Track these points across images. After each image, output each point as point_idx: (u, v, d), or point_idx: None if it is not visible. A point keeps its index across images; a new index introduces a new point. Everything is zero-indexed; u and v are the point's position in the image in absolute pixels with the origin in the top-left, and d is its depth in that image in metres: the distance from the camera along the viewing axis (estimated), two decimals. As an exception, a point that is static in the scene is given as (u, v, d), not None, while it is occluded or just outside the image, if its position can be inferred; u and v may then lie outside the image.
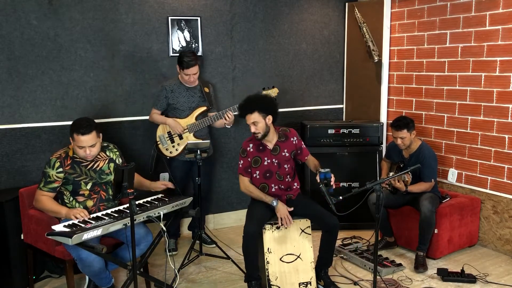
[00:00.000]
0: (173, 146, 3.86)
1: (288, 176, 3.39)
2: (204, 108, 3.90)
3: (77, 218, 2.83)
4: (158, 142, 3.88)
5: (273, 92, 3.95)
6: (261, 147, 3.31)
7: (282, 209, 3.21)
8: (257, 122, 3.20)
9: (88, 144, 2.94)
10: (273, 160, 3.32)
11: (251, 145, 3.33)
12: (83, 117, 3.09)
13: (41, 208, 2.98)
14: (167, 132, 3.85)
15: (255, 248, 3.15)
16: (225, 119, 3.82)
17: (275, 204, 3.21)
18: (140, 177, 3.27)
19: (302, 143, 3.44)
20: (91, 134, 2.93)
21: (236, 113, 3.83)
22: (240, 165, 3.34)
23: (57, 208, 2.94)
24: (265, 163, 3.32)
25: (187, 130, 3.83)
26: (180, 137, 3.84)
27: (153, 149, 3.91)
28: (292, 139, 3.38)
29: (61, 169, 2.97)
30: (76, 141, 2.93)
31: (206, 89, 3.95)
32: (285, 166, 3.36)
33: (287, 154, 3.35)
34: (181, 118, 3.85)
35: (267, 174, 3.33)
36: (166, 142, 3.85)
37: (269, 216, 3.27)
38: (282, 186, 3.36)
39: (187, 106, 3.85)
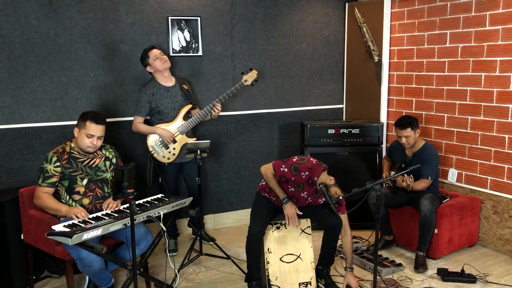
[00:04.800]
0: (169, 152, 3.80)
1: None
2: (190, 106, 3.87)
3: (77, 217, 2.83)
4: (152, 152, 3.80)
5: (253, 74, 3.95)
6: (310, 181, 3.11)
7: (290, 209, 3.13)
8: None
9: (98, 134, 3.02)
10: (309, 198, 3.19)
11: (307, 173, 3.08)
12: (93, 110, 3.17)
13: (41, 205, 2.98)
14: (159, 140, 3.79)
15: (259, 248, 3.15)
16: (214, 111, 3.85)
17: (285, 202, 3.13)
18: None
19: (344, 200, 3.18)
20: (103, 126, 3.06)
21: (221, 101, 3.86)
22: (281, 169, 3.11)
23: (58, 206, 2.95)
24: (302, 194, 3.17)
25: (178, 133, 3.80)
26: (174, 141, 3.80)
27: (148, 160, 3.83)
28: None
29: (58, 163, 2.99)
30: (88, 128, 2.98)
31: (185, 86, 3.92)
32: (309, 206, 3.26)
33: (322, 201, 3.24)
34: (168, 122, 3.81)
35: (294, 200, 3.18)
36: (161, 150, 3.79)
37: (272, 216, 3.27)
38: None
39: (171, 108, 3.80)
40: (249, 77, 3.96)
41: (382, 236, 4.08)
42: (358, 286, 3.26)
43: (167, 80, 3.85)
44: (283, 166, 3.13)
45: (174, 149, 3.81)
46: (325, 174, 3.00)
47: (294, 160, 3.14)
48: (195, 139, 3.85)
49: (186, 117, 3.85)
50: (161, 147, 3.79)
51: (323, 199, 3.22)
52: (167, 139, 3.75)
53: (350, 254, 3.25)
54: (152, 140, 3.80)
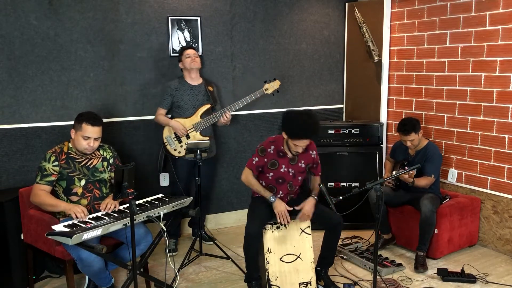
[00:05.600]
0: (181, 146, 3.89)
1: (298, 187, 3.38)
2: (208, 105, 3.95)
3: (76, 216, 2.82)
4: (166, 143, 3.91)
5: (276, 84, 4.04)
6: (281, 153, 3.24)
7: (280, 206, 3.16)
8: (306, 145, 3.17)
9: (94, 136, 3.01)
10: (290, 169, 3.27)
11: (272, 147, 3.25)
12: (89, 111, 3.17)
13: (38, 202, 2.95)
14: (174, 133, 3.88)
15: (256, 248, 3.15)
16: (224, 118, 3.92)
17: (272, 200, 3.19)
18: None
19: (319, 158, 3.41)
20: (100, 127, 3.04)
21: (233, 112, 3.94)
22: (254, 162, 3.24)
23: (55, 202, 2.93)
24: (282, 170, 3.26)
25: (193, 129, 3.87)
26: (187, 136, 3.88)
27: (160, 150, 3.95)
28: (311, 152, 3.34)
29: (56, 163, 2.99)
30: (84, 130, 2.97)
31: (210, 88, 4.02)
32: (299, 177, 3.34)
33: (303, 166, 3.31)
34: (186, 117, 3.88)
35: (280, 180, 3.28)
36: (174, 143, 3.89)
37: (270, 216, 3.27)
38: (288, 194, 3.35)
39: (191, 105, 3.90)
40: (271, 87, 4.03)
41: (381, 235, 4.08)
42: (309, 215, 3.20)
43: (194, 80, 3.96)
44: (253, 158, 3.27)
45: (186, 144, 3.85)
46: (285, 138, 3.17)
47: (258, 146, 3.30)
48: (207, 138, 3.88)
49: (204, 116, 3.92)
50: (174, 140, 3.89)
51: (303, 161, 3.30)
52: (179, 131, 3.83)
53: (317, 190, 3.32)
54: (168, 132, 3.90)
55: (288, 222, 3.18)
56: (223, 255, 3.70)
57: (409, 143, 3.83)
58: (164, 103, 3.92)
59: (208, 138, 3.89)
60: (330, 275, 3.41)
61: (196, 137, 3.88)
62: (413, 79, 4.59)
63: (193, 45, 4.27)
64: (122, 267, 3.04)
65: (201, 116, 3.91)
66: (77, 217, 2.82)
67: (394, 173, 3.89)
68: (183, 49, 3.93)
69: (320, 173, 3.44)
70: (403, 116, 4.64)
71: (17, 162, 3.70)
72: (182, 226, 4.43)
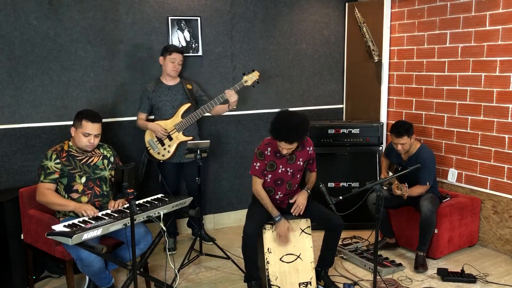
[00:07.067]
0: (165, 149, 3.82)
1: (297, 185, 3.39)
2: (189, 104, 3.87)
3: (86, 214, 2.86)
4: (148, 148, 3.84)
5: (255, 76, 3.89)
6: (278, 154, 3.24)
7: (283, 227, 3.19)
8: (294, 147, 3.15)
9: (94, 132, 3.04)
10: (288, 169, 3.27)
11: (269, 149, 3.25)
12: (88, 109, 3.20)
13: (46, 201, 2.96)
14: (156, 136, 3.82)
15: (255, 248, 3.15)
16: (229, 99, 3.80)
17: (277, 219, 3.19)
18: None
19: (315, 155, 3.41)
20: (99, 124, 3.07)
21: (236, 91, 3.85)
22: (257, 167, 3.25)
23: (64, 201, 2.96)
24: (279, 170, 3.26)
25: (175, 130, 3.81)
26: (170, 138, 3.82)
27: (143, 155, 3.86)
28: (308, 148, 3.33)
29: (58, 160, 3.01)
30: (84, 127, 3.00)
31: (189, 86, 3.93)
32: (298, 176, 3.34)
33: (301, 163, 3.31)
34: (166, 119, 3.82)
35: (278, 182, 3.28)
36: (157, 146, 3.82)
37: (269, 217, 3.27)
38: (287, 194, 3.36)
39: (170, 105, 3.83)
40: (250, 78, 3.87)
41: (384, 238, 4.08)
42: (302, 207, 3.23)
43: (171, 80, 3.90)
44: (254, 164, 3.26)
45: (169, 146, 3.82)
46: None
47: (255, 151, 3.29)
48: (191, 138, 3.85)
49: (186, 115, 3.86)
50: (157, 144, 3.82)
51: (301, 159, 3.29)
52: (158, 132, 3.76)
53: (311, 184, 3.39)
54: (149, 136, 3.85)
55: (285, 244, 3.21)
56: (223, 255, 3.70)
57: (400, 146, 3.79)
58: (142, 106, 3.84)
59: (192, 137, 3.84)
60: (330, 275, 3.41)
61: (179, 138, 3.81)
62: (413, 79, 4.59)
63: (193, 45, 4.26)
64: (122, 267, 3.04)
65: (182, 116, 3.83)
66: (87, 214, 2.85)
67: (390, 174, 3.87)
68: (172, 49, 3.79)
69: (315, 170, 3.45)
70: (403, 116, 4.66)
71: (17, 162, 3.70)
72: (180, 226, 4.43)
